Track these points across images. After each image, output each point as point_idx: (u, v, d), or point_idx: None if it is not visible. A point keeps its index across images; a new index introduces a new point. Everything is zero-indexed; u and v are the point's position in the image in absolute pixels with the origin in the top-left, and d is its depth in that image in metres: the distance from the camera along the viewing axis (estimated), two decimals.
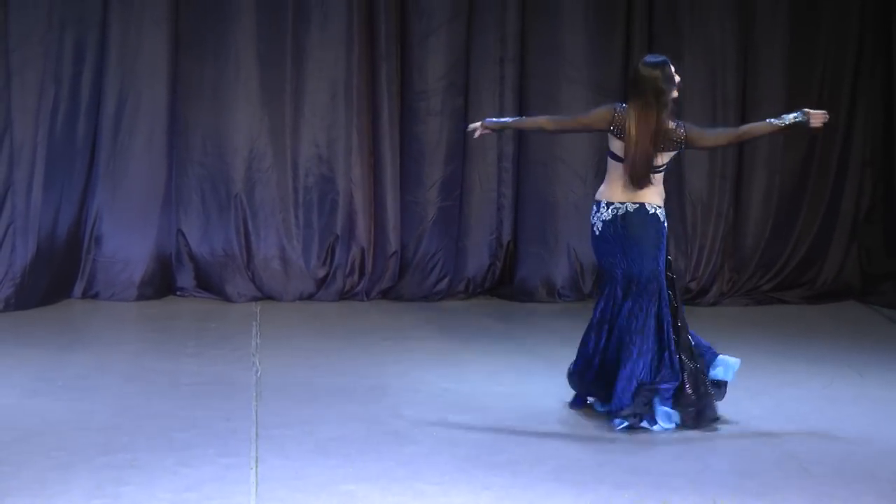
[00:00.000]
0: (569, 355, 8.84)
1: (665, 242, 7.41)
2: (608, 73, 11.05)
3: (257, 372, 8.30)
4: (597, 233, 7.51)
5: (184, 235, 10.87)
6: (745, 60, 11.03)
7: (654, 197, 7.40)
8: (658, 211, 7.39)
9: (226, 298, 10.76)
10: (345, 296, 10.92)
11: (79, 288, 10.76)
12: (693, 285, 11.01)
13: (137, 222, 10.73)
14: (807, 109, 7.45)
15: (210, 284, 10.88)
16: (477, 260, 11.11)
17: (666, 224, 7.46)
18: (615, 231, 7.38)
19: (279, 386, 7.94)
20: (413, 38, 10.93)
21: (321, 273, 10.95)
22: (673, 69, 7.57)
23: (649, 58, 7.66)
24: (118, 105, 10.63)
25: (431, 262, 11.01)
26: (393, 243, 10.96)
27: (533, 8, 10.99)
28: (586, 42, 11.00)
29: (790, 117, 7.37)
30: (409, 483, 6.12)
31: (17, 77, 10.24)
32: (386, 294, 10.99)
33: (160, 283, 10.85)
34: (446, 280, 11.02)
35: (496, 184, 11.13)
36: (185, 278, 10.87)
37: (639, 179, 7.35)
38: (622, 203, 7.41)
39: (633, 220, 7.35)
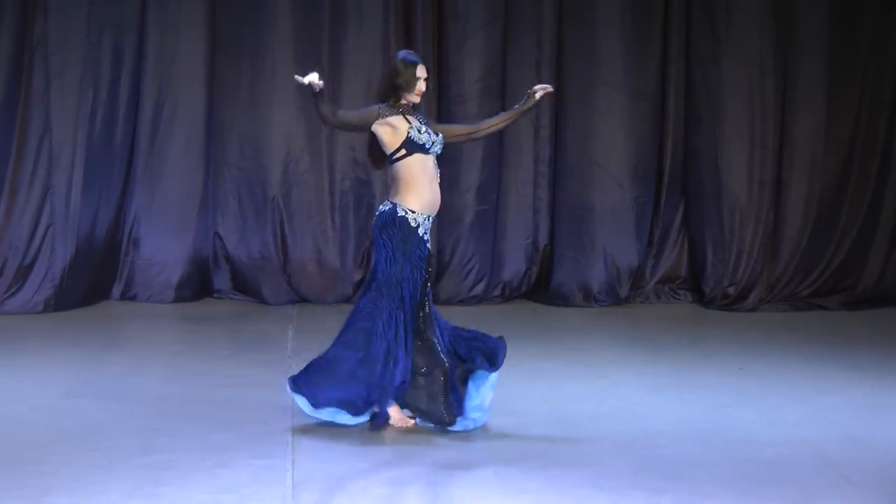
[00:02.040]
0: (606, 359, 8.84)
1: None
2: (644, 78, 11.03)
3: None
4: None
5: (221, 238, 10.91)
6: (785, 66, 10.98)
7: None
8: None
9: (262, 301, 10.80)
10: None
11: (117, 290, 10.82)
12: (731, 290, 10.97)
13: (175, 225, 10.78)
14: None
15: (246, 287, 10.91)
16: (513, 264, 11.11)
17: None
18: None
19: None
20: (450, 41, 10.94)
21: (357, 276, 10.97)
22: (419, 69, 7.21)
23: (405, 54, 7.33)
24: (156, 108, 10.68)
25: (468, 265, 11.01)
26: (429, 247, 10.94)
27: (569, 12, 10.98)
28: (623, 47, 10.98)
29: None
30: (444, 487, 6.11)
31: (56, 81, 10.30)
32: None
33: (197, 286, 10.89)
34: (482, 284, 11.02)
35: (532, 188, 11.13)
36: (222, 280, 10.91)
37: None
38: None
39: (380, 220, 7.13)
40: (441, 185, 10.87)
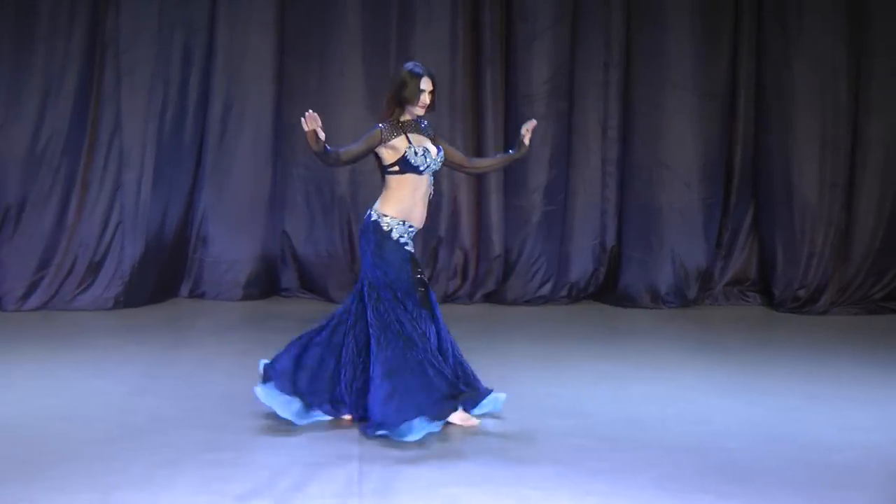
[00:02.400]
0: (674, 362, 8.80)
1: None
2: (714, 79, 10.96)
3: None
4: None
5: (288, 237, 10.96)
6: (857, 67, 10.87)
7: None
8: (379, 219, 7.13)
9: (329, 299, 10.84)
10: (447, 298, 10.95)
11: (185, 287, 10.91)
12: (802, 293, 10.88)
13: (243, 223, 10.84)
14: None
15: (314, 285, 10.96)
16: (580, 264, 11.08)
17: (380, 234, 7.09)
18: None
19: None
20: (518, 41, 10.92)
21: (424, 275, 10.95)
22: (423, 82, 7.20)
23: (412, 66, 7.33)
24: (225, 107, 10.75)
25: (535, 266, 10.99)
26: (496, 247, 10.96)
27: (638, 12, 10.93)
28: (692, 47, 10.92)
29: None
30: (512, 487, 6.10)
31: (126, 79, 10.39)
32: (489, 297, 11.00)
33: (265, 284, 10.95)
34: (549, 284, 11.00)
35: (600, 188, 11.09)
36: (290, 279, 10.96)
37: None
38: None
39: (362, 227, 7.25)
40: (508, 184, 10.90)
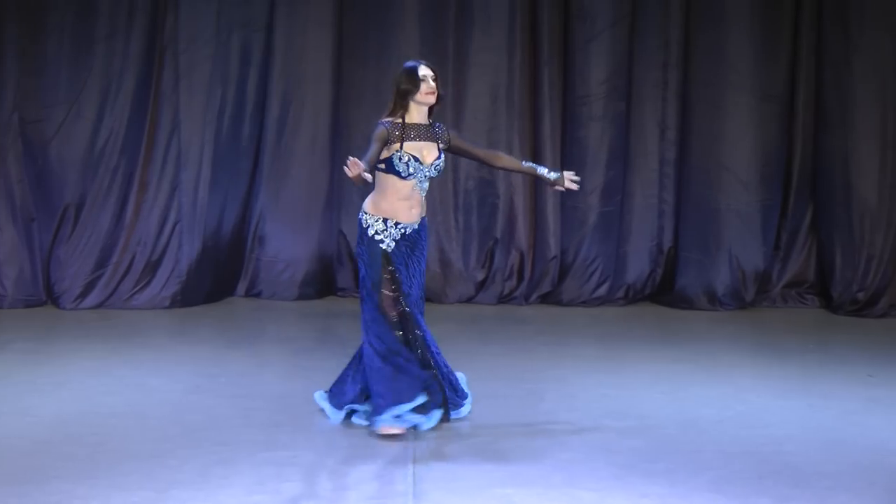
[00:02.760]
0: (731, 364, 8.74)
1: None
2: (774, 79, 10.89)
3: None
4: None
5: (345, 236, 10.98)
6: None
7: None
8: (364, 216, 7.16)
9: None
10: (504, 299, 10.94)
11: (242, 286, 10.95)
12: (860, 296, 10.78)
13: (300, 223, 10.87)
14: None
15: None
16: (637, 266, 11.03)
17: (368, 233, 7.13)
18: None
19: None
20: (575, 42, 10.89)
21: (480, 276, 10.97)
22: (422, 69, 7.17)
23: (407, 62, 7.28)
24: (282, 107, 10.78)
25: (591, 267, 10.96)
26: (553, 248, 10.94)
27: (697, 12, 10.87)
28: (751, 47, 10.85)
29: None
30: (566, 489, 6.08)
31: (184, 79, 10.44)
32: (545, 298, 10.97)
33: (321, 284, 10.97)
34: (606, 285, 10.96)
35: (657, 189, 11.04)
36: (346, 279, 10.98)
37: None
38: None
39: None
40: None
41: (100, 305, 10.40)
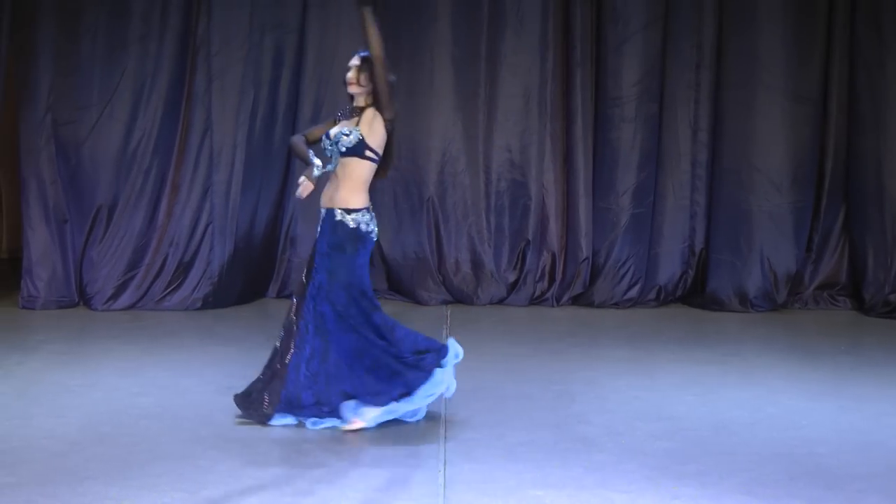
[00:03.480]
0: (763, 366, 8.70)
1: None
2: (807, 80, 10.84)
3: None
4: (375, 238, 7.23)
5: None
6: None
7: None
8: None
9: (416, 301, 10.85)
10: (535, 301, 10.93)
11: (273, 288, 10.97)
12: (893, 298, 10.74)
13: None
14: (311, 172, 7.04)
15: (401, 287, 10.98)
16: (669, 267, 11.01)
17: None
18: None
19: (468, 390, 7.93)
20: (608, 44, 10.87)
21: (512, 277, 10.97)
22: (353, 63, 7.13)
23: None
24: (315, 108, 10.80)
25: (623, 268, 10.94)
26: (584, 249, 10.92)
27: (730, 14, 10.83)
28: (784, 49, 10.80)
29: (313, 168, 7.05)
30: (597, 490, 6.06)
31: (217, 81, 10.47)
32: (576, 300, 10.96)
33: None
34: (637, 287, 10.94)
35: (689, 191, 11.01)
36: (378, 280, 10.98)
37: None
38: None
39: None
40: (596, 186, 10.82)
41: (132, 307, 10.44)
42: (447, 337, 9.42)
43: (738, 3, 10.83)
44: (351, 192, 7.07)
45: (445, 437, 6.88)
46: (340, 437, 6.86)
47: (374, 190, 10.88)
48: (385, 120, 7.05)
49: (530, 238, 11.00)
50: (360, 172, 7.07)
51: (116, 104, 10.45)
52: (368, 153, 7.04)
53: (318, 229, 7.17)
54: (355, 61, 7.13)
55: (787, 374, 8.54)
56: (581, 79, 10.89)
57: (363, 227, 7.08)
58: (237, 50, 10.55)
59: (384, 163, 7.14)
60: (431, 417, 7.25)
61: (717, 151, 10.97)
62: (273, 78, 10.70)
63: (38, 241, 10.47)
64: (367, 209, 7.12)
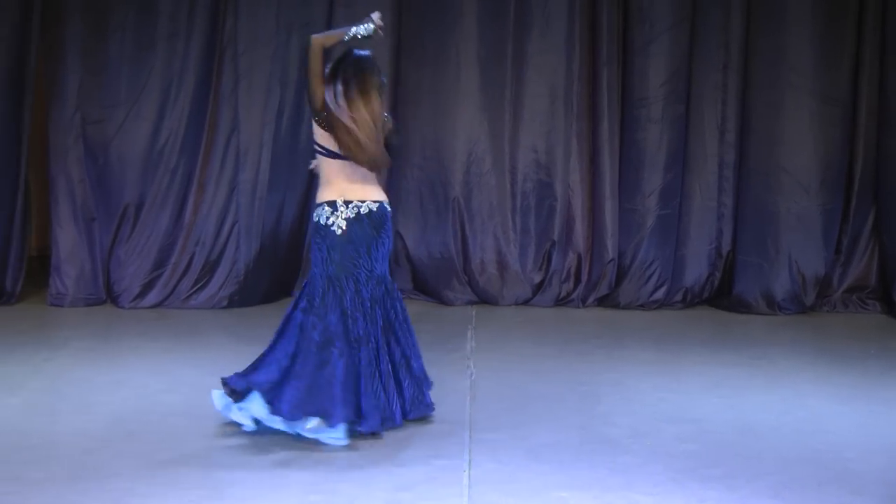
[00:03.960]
0: (790, 369, 8.67)
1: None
2: (835, 81, 10.79)
3: (472, 375, 8.33)
4: (338, 232, 7.00)
5: (402, 238, 10.98)
6: None
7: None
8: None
9: (442, 301, 10.85)
10: (560, 302, 10.91)
11: (299, 287, 10.94)
12: None
13: None
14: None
15: (427, 287, 10.97)
16: (695, 269, 10.97)
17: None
18: (361, 230, 7.00)
19: (493, 390, 7.94)
20: (635, 44, 10.84)
21: (537, 278, 10.95)
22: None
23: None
24: None
25: (649, 270, 10.91)
26: (610, 250, 10.90)
27: (757, 13, 10.79)
28: (813, 50, 10.74)
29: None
30: (622, 492, 6.05)
31: (244, 80, 10.49)
32: (602, 301, 10.93)
33: None
34: (664, 289, 10.91)
35: (716, 192, 10.97)
36: (403, 280, 10.98)
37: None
38: (363, 201, 7.08)
39: (379, 219, 7.06)
40: (623, 187, 10.80)
41: (158, 305, 10.47)
42: (472, 339, 9.45)
43: (766, 4, 10.78)
44: (319, 188, 7.16)
45: (470, 437, 6.88)
46: (367, 436, 6.85)
47: (398, 189, 10.96)
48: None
49: (556, 239, 10.98)
50: (321, 168, 7.12)
51: (144, 103, 10.48)
52: (316, 147, 7.05)
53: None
54: None
55: (814, 377, 8.51)
56: (607, 79, 10.86)
57: (321, 220, 7.03)
58: (264, 49, 10.56)
59: (359, 153, 6.97)
60: (456, 419, 7.24)
61: (745, 152, 10.93)
62: (300, 77, 10.71)
63: (67, 240, 10.51)
64: (327, 203, 7.03)
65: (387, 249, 7.13)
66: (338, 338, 6.87)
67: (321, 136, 7.00)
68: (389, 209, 7.16)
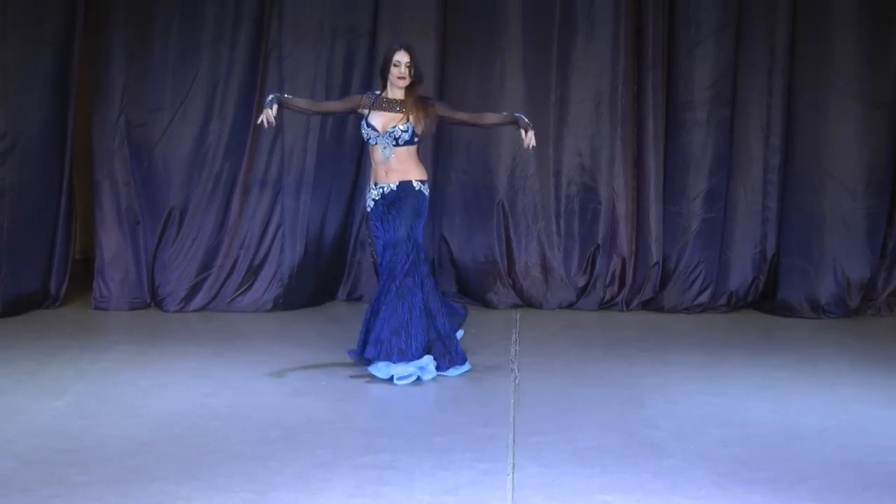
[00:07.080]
0: (835, 372, 8.62)
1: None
2: (881, 85, 10.72)
3: (516, 379, 8.32)
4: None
5: (446, 241, 11.00)
6: None
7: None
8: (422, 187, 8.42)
9: (486, 304, 10.85)
10: (605, 305, 10.89)
11: (343, 291, 11.01)
12: None
13: None
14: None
15: (471, 290, 10.98)
16: (740, 273, 10.93)
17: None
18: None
19: (537, 393, 7.94)
20: (680, 48, 10.81)
21: (581, 282, 10.94)
22: (398, 54, 8.40)
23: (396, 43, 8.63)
24: None
25: (693, 273, 10.87)
26: (654, 254, 10.87)
27: (803, 17, 10.73)
28: (859, 54, 10.68)
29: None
30: (666, 496, 6.04)
31: (288, 83, 10.51)
32: (646, 305, 10.91)
33: None
34: (708, 292, 10.87)
35: (761, 196, 10.93)
36: (447, 284, 11.00)
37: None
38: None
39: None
40: (667, 191, 10.78)
41: (203, 308, 10.52)
42: (516, 343, 9.45)
43: (812, 8, 10.72)
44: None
45: (514, 441, 6.88)
46: (409, 439, 6.87)
47: (443, 193, 10.97)
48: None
49: (600, 242, 10.97)
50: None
51: (189, 107, 10.53)
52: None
53: (385, 201, 8.39)
54: (406, 55, 8.38)
55: (859, 381, 8.46)
56: (652, 83, 10.83)
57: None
58: (308, 53, 10.59)
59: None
60: (500, 423, 7.25)
61: (790, 156, 10.88)
62: (344, 81, 10.73)
63: (111, 243, 10.58)
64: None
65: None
66: None
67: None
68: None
